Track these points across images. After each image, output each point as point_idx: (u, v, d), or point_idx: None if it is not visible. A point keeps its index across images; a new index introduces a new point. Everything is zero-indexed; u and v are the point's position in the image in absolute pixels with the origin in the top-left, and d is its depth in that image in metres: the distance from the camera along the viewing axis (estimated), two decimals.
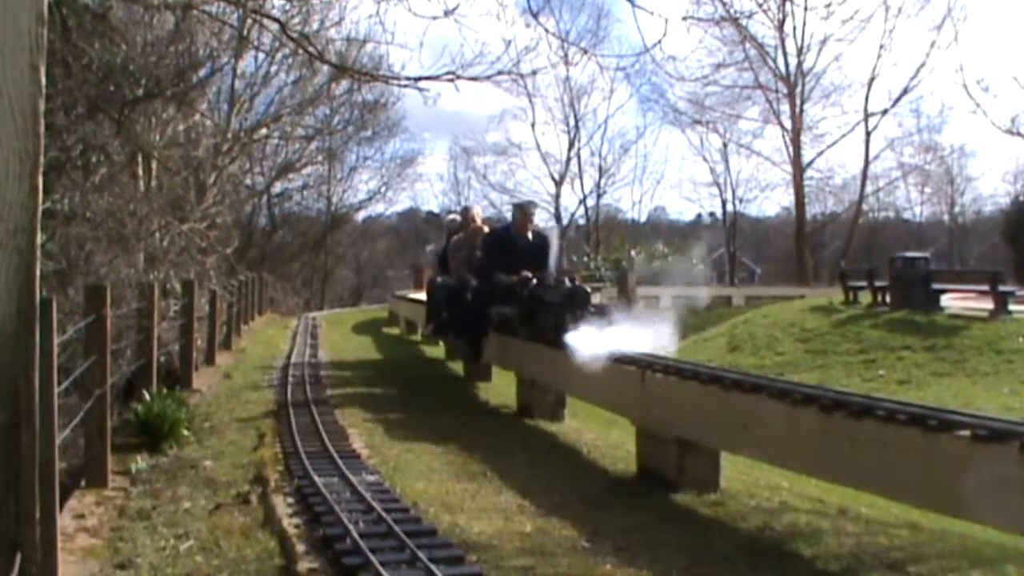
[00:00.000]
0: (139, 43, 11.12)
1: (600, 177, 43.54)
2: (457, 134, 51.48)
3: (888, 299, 16.82)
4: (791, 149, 37.58)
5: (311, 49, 10.89)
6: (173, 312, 10.82)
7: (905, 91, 36.68)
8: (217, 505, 5.42)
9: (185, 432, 7.42)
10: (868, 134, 37.83)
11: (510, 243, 9.83)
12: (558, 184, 43.09)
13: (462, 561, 4.21)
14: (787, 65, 37.03)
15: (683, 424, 5.83)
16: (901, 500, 4.64)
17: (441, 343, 14.19)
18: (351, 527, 4.54)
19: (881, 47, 36.77)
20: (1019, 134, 26.26)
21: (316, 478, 5.62)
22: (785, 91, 37.20)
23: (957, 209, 45.60)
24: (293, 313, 26.45)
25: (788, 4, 35.06)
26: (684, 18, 23.64)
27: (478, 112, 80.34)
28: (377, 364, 13.95)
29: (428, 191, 71.58)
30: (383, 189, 40.47)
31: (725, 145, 40.76)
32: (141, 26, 11.49)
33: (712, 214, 47.17)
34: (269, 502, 5.40)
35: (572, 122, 42.64)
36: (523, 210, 10.42)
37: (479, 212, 12.85)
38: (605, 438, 7.71)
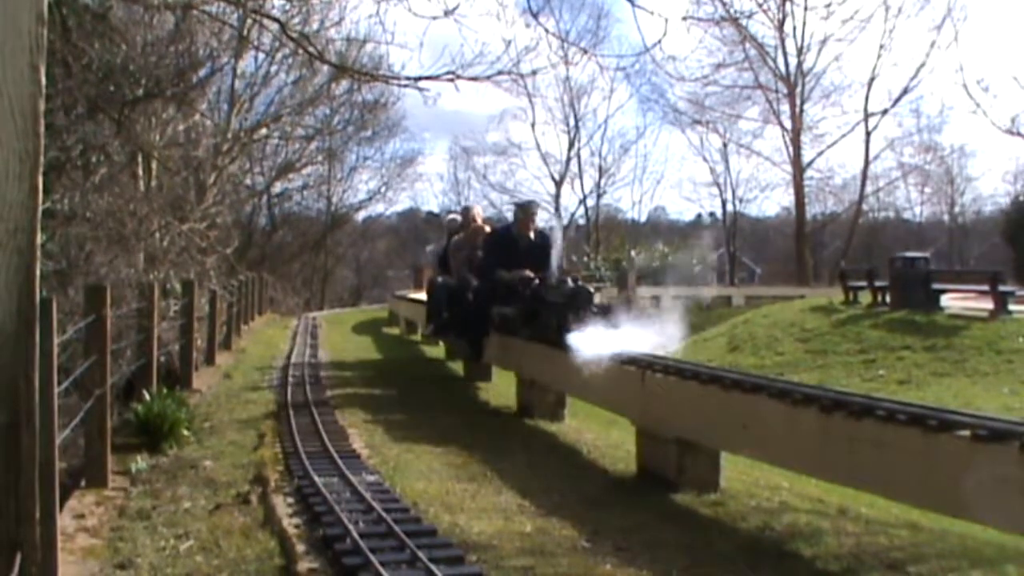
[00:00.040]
0: (139, 43, 11.12)
1: (600, 177, 43.60)
2: (457, 134, 51.57)
3: (888, 299, 16.82)
4: (791, 149, 37.59)
5: (311, 49, 10.89)
6: (173, 312, 10.82)
7: (905, 91, 36.74)
8: (217, 505, 5.42)
9: (185, 432, 7.42)
10: (868, 134, 37.89)
11: (512, 243, 9.78)
12: (558, 184, 43.13)
13: (462, 561, 4.21)
14: (787, 65, 37.09)
15: (683, 424, 5.83)
16: (901, 500, 4.64)
17: (441, 343, 14.19)
18: (351, 527, 4.54)
19: (881, 47, 36.83)
20: (1019, 134, 26.28)
21: (316, 478, 5.62)
22: (785, 91, 37.20)
23: (957, 209, 45.64)
24: (293, 313, 26.45)
25: (788, 4, 35.10)
26: (684, 18, 23.65)
27: (478, 112, 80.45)
28: (377, 364, 13.95)
29: (428, 191, 71.64)
30: (383, 189, 40.54)
31: (725, 145, 40.82)
32: (141, 26, 11.48)
33: (712, 214, 47.21)
34: (269, 502, 5.40)
35: (572, 122, 42.70)
36: (525, 210, 10.33)
37: (479, 212, 12.83)
38: (605, 438, 7.71)
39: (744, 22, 33.95)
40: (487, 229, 11.17)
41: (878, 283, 17.35)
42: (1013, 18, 57.32)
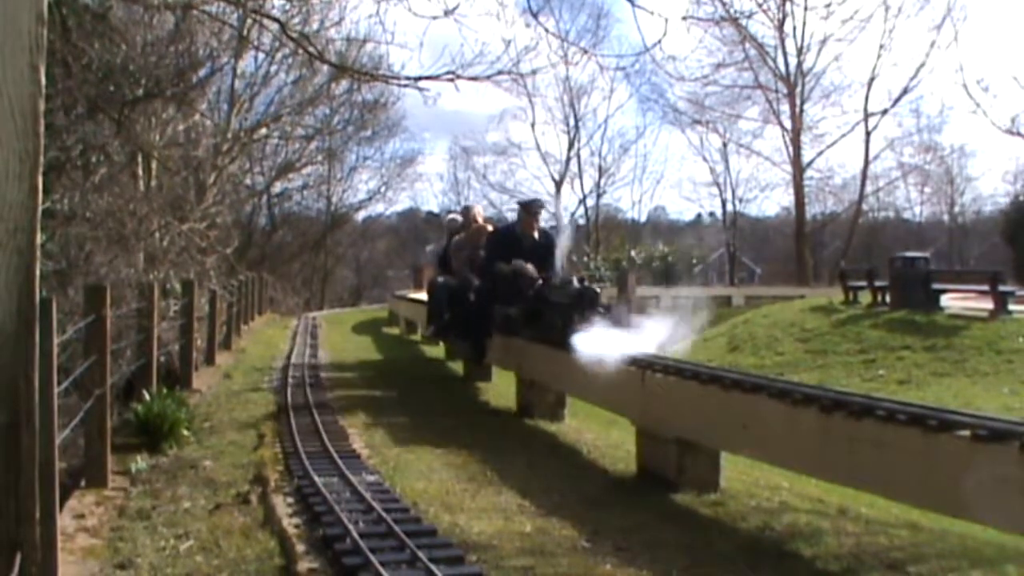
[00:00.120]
0: (139, 43, 11.11)
1: (600, 177, 43.59)
2: (457, 134, 51.54)
3: (888, 299, 16.82)
4: (791, 149, 37.58)
5: (311, 49, 10.88)
6: (173, 312, 10.82)
7: (905, 91, 36.73)
8: (217, 505, 5.42)
9: (185, 432, 7.42)
10: (868, 134, 37.88)
11: (515, 241, 9.65)
12: (558, 184, 43.10)
13: (462, 561, 4.21)
14: (787, 65, 37.08)
15: (683, 424, 5.83)
16: (901, 500, 4.64)
17: (441, 343, 14.18)
18: (351, 527, 4.55)
19: (881, 47, 36.80)
20: (1019, 134, 26.30)
21: (316, 478, 5.62)
22: (785, 91, 37.20)
23: (957, 209, 45.62)
24: (293, 313, 26.46)
25: (788, 4, 35.08)
26: (684, 18, 23.58)
27: (478, 112, 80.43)
28: (377, 364, 13.95)
29: (428, 191, 71.65)
30: (383, 189, 40.54)
31: (725, 145, 40.80)
32: (141, 26, 11.48)
33: (712, 214, 47.21)
34: (269, 502, 5.40)
35: (572, 122, 42.68)
36: (528, 209, 10.15)
37: (480, 211, 12.81)
38: (605, 438, 7.71)
39: (744, 22, 33.98)
40: (489, 228, 11.12)
41: (878, 283, 17.36)
42: (1013, 18, 57.35)
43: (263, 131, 27.04)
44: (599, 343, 7.04)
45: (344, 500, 5.15)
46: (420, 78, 9.01)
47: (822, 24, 45.06)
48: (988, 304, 14.89)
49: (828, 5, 34.77)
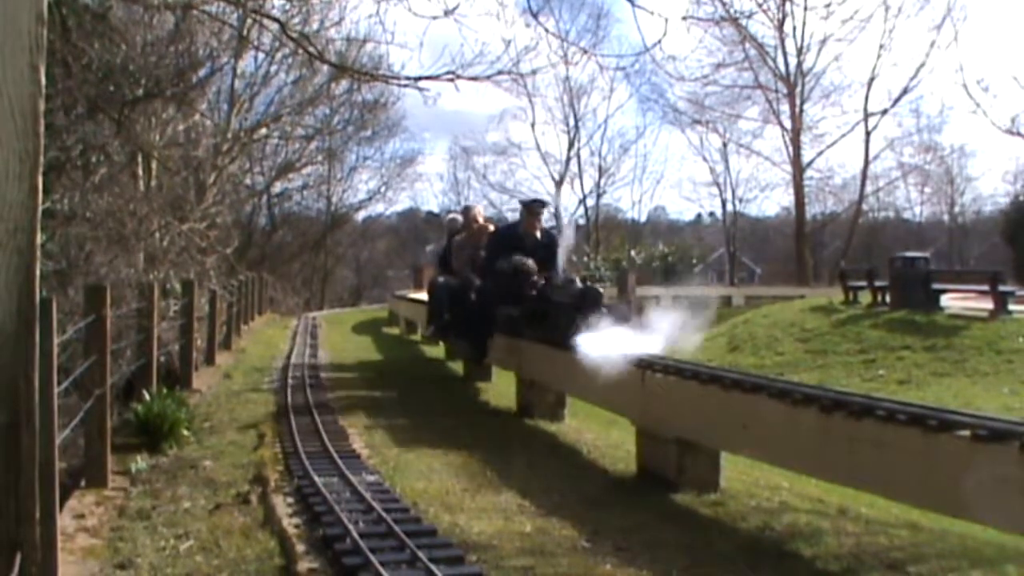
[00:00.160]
0: (139, 43, 11.11)
1: (600, 177, 43.59)
2: (457, 134, 51.57)
3: (888, 299, 16.81)
4: (791, 149, 37.57)
5: (311, 49, 10.88)
6: (173, 312, 10.82)
7: (905, 91, 36.70)
8: (217, 505, 5.42)
9: (185, 432, 7.42)
10: (868, 134, 37.86)
11: (517, 241, 9.60)
12: (558, 184, 43.09)
13: (462, 561, 4.21)
14: (787, 65, 37.05)
15: (683, 424, 5.83)
16: (901, 500, 4.64)
17: (441, 343, 14.18)
18: (351, 527, 4.55)
19: (881, 47, 36.75)
20: (1019, 134, 26.29)
21: (316, 478, 5.62)
22: (785, 91, 37.18)
23: (957, 209, 45.62)
24: (293, 313, 26.46)
25: (788, 4, 35.05)
26: (684, 18, 23.54)
27: (478, 112, 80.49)
28: (377, 364, 13.95)
29: (428, 191, 71.72)
30: (383, 189, 40.53)
31: (725, 145, 40.78)
32: (141, 26, 11.48)
33: (712, 214, 47.25)
34: (269, 502, 5.40)
35: (572, 122, 42.68)
36: (531, 208, 10.10)
37: (480, 211, 12.79)
38: (605, 438, 7.71)
39: (744, 22, 33.94)
40: (491, 228, 11.09)
41: (878, 283, 17.35)
42: (1013, 18, 57.36)
43: (263, 131, 27.04)
44: (605, 344, 6.99)
45: (344, 500, 5.15)
46: (420, 78, 9.02)
47: (822, 24, 45.15)
48: (988, 304, 14.89)
49: (828, 5, 34.78)
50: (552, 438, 7.84)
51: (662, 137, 74.34)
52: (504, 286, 9.38)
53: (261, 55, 22.53)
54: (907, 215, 46.99)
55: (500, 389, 10.39)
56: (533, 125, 42.48)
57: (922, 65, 35.70)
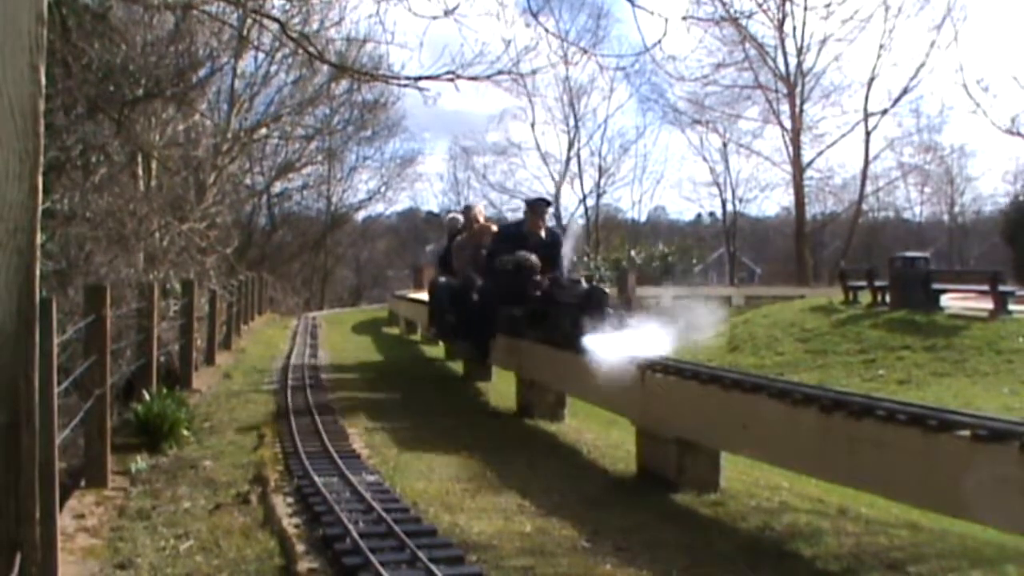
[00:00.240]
0: (139, 43, 11.11)
1: (600, 177, 43.59)
2: (457, 134, 51.60)
3: (888, 299, 16.82)
4: (791, 149, 37.57)
5: (311, 49, 10.88)
6: (173, 312, 10.82)
7: (905, 91, 36.70)
8: (217, 505, 5.42)
9: (185, 432, 7.42)
10: (868, 134, 37.86)
11: (521, 240, 9.49)
12: (558, 184, 43.12)
13: (462, 561, 4.21)
14: (787, 65, 37.04)
15: (683, 424, 5.83)
16: (901, 500, 4.64)
17: (441, 343, 14.18)
18: (351, 527, 4.55)
19: (881, 47, 36.75)
20: (1019, 134, 26.30)
21: (316, 478, 5.62)
22: (785, 91, 37.17)
23: (957, 209, 45.61)
24: (293, 313, 26.47)
25: (788, 4, 35.05)
26: (684, 18, 23.56)
27: (478, 112, 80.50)
28: (377, 364, 13.96)
29: (428, 191, 71.60)
30: (383, 189, 40.52)
31: (725, 145, 40.78)
32: (141, 26, 11.48)
33: (712, 214, 47.21)
34: (269, 502, 5.40)
35: (572, 122, 42.69)
36: (535, 207, 10.00)
37: (481, 210, 12.78)
38: (605, 438, 7.71)
39: (744, 22, 33.93)
40: (494, 228, 11.04)
41: (878, 283, 17.35)
42: (1013, 18, 57.36)
43: (263, 131, 27.04)
44: (612, 345, 6.93)
45: (344, 500, 5.15)
46: (420, 78, 9.02)
47: (822, 24, 45.21)
48: (988, 304, 14.89)
49: (828, 5, 34.77)
50: (552, 438, 7.84)
51: (662, 137, 74.50)
52: (506, 283, 9.28)
53: (261, 55, 22.56)
54: (907, 215, 47.04)
55: (500, 389, 10.39)
56: (533, 125, 42.56)
57: (922, 65, 35.75)
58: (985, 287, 15.34)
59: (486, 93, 47.60)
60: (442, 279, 11.31)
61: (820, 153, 38.31)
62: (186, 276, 11.62)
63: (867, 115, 37.27)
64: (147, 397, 7.74)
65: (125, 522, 5.13)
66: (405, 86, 10.17)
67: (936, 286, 16.01)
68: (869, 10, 42.77)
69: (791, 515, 5.30)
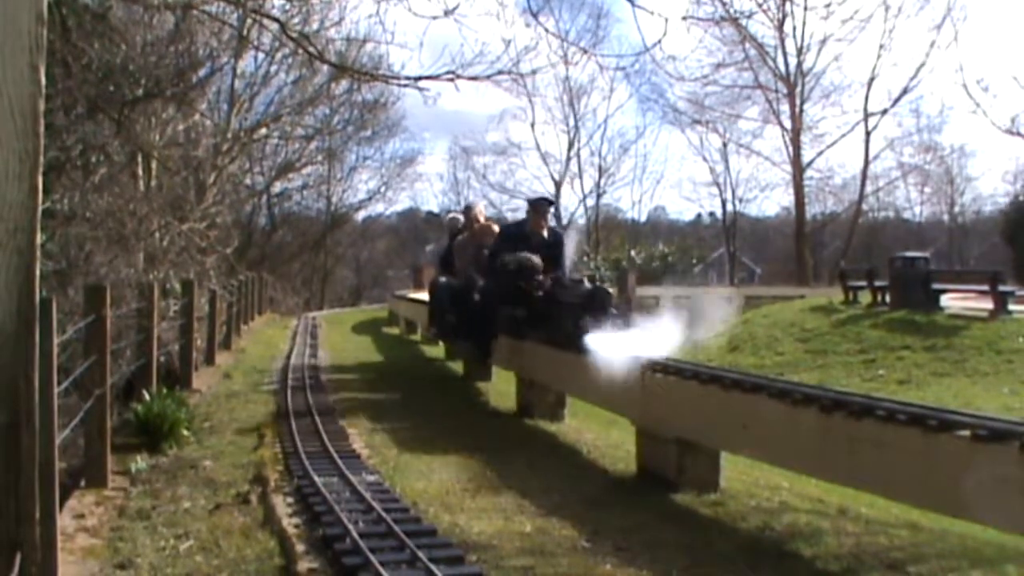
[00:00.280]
0: (139, 43, 11.10)
1: (600, 177, 43.55)
2: (457, 134, 51.53)
3: (888, 299, 16.82)
4: (791, 149, 37.54)
5: (311, 49, 10.87)
6: (173, 312, 10.82)
7: (905, 91, 36.65)
8: (217, 505, 5.42)
9: (185, 432, 7.42)
10: (868, 134, 37.82)
11: (524, 240, 9.44)
12: (558, 184, 43.09)
13: (462, 561, 4.21)
14: (787, 65, 37.01)
15: (683, 424, 5.83)
16: (901, 500, 4.64)
17: (441, 343, 14.18)
18: (351, 527, 4.55)
19: (881, 47, 36.70)
20: (1019, 134, 26.31)
21: (316, 478, 5.62)
22: (785, 91, 37.15)
23: (957, 209, 45.57)
24: (293, 313, 26.47)
25: (788, 4, 35.02)
26: (684, 18, 23.46)
27: (478, 112, 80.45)
28: (377, 364, 13.96)
29: (428, 191, 71.45)
30: (383, 189, 40.50)
31: (725, 145, 40.74)
32: (141, 26, 11.47)
33: (712, 214, 47.19)
34: (269, 502, 5.40)
35: (572, 122, 42.64)
36: (537, 207, 9.93)
37: (482, 210, 12.76)
38: (605, 438, 7.71)
39: (744, 22, 33.88)
40: (495, 228, 11.01)
41: (878, 283, 17.35)
42: (1013, 18, 57.34)
43: (263, 131, 27.03)
44: (616, 345, 6.90)
45: (344, 500, 5.15)
46: (420, 78, 9.01)
47: (822, 24, 45.12)
48: (988, 304, 14.89)
49: (828, 5, 34.73)
50: (552, 438, 7.84)
51: (662, 137, 74.43)
52: (507, 283, 9.24)
53: (261, 55, 22.55)
54: (907, 215, 46.99)
55: (500, 389, 10.39)
56: (533, 125, 42.51)
57: (922, 65, 35.72)
58: (985, 287, 15.34)
59: (486, 93, 47.63)
60: (443, 279, 11.30)
61: (820, 153, 38.34)
62: (186, 276, 11.62)
63: (867, 115, 37.29)
64: (147, 397, 7.74)
65: (125, 522, 5.14)
66: (405, 86, 10.17)
67: (936, 286, 16.01)
68: (869, 10, 42.75)
69: (791, 515, 5.30)
